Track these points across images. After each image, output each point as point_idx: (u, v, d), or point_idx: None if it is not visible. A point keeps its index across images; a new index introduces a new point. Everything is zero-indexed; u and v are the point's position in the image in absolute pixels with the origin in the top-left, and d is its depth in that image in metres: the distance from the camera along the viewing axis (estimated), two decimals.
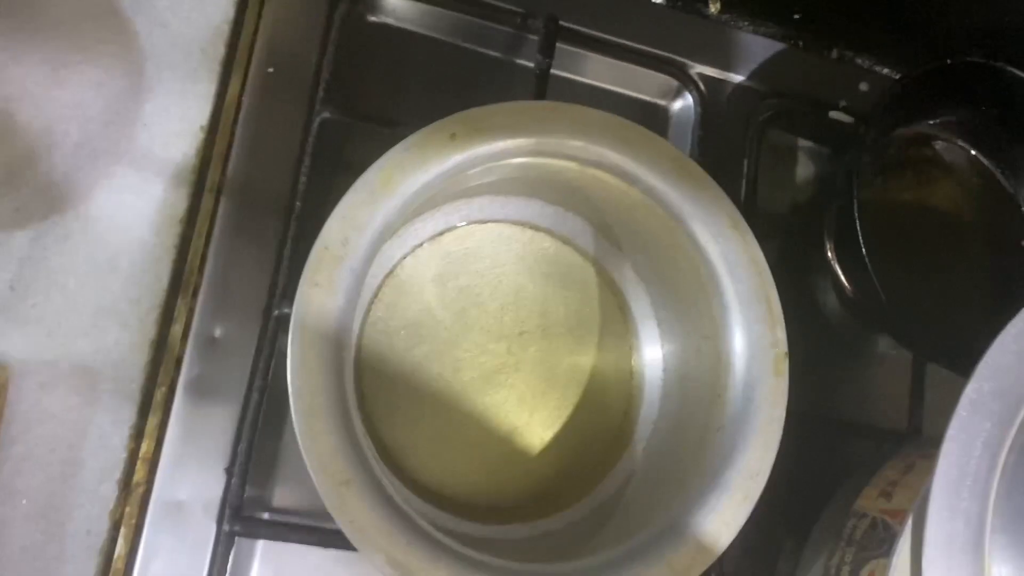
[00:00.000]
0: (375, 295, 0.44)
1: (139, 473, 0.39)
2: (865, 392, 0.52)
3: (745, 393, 0.40)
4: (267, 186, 0.43)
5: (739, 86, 0.53)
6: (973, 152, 0.54)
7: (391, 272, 0.44)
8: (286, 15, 0.45)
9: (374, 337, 0.43)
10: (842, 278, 0.48)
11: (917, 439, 0.49)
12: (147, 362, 0.40)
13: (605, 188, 0.42)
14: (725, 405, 0.40)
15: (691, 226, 0.41)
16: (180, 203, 0.42)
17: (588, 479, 0.45)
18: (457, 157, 0.37)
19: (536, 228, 0.47)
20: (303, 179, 0.42)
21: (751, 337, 0.40)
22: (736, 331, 0.40)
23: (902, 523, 0.38)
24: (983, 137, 0.53)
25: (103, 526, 0.39)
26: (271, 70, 0.44)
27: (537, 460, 0.45)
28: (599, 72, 0.51)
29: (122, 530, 0.39)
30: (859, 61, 0.57)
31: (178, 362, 0.41)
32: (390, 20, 0.48)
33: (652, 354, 0.47)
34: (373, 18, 0.48)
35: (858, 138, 0.47)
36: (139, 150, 0.42)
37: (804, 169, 0.54)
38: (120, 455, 0.39)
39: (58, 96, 0.41)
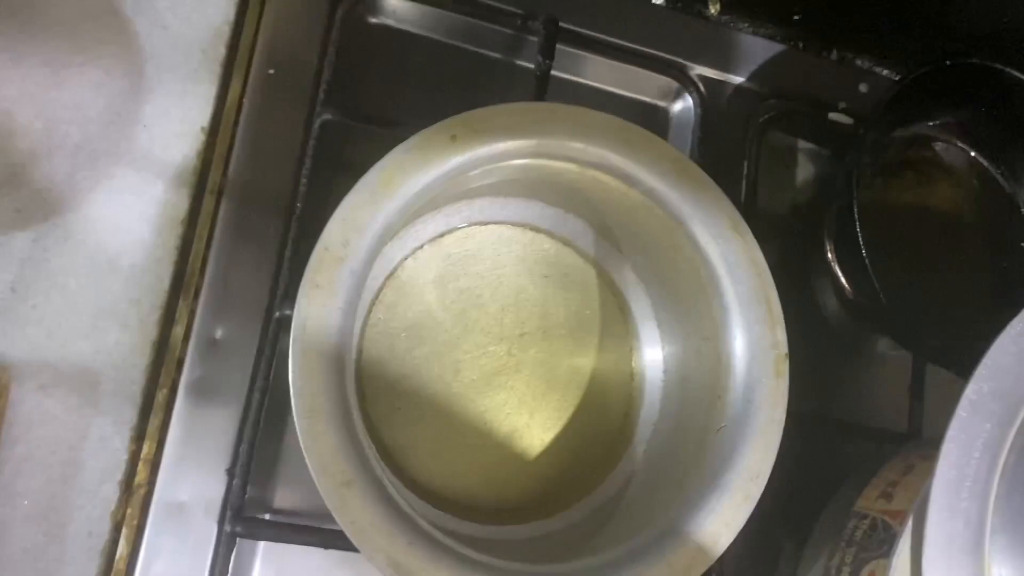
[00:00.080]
0: (376, 296, 0.44)
1: (140, 474, 0.39)
2: (865, 393, 0.52)
3: (745, 394, 0.40)
4: (268, 187, 0.43)
5: (739, 87, 0.53)
6: (972, 153, 0.54)
7: (392, 273, 0.44)
8: (287, 16, 0.45)
9: (375, 338, 0.43)
10: (842, 279, 0.48)
11: (917, 440, 0.50)
12: (148, 363, 0.40)
13: (605, 189, 0.42)
14: (725, 406, 0.40)
15: (691, 227, 0.41)
16: (181, 204, 0.42)
17: (588, 480, 0.45)
18: (458, 158, 0.37)
19: (537, 230, 0.47)
20: (304, 180, 0.42)
21: (751, 338, 0.40)
22: (736, 332, 0.40)
23: (902, 524, 0.38)
24: (982, 138, 0.53)
25: (104, 527, 0.39)
26: (272, 71, 0.44)
27: (537, 461, 0.45)
28: (599, 73, 0.51)
29: (123, 531, 0.39)
30: (859, 62, 0.57)
31: (179, 363, 0.41)
32: (391, 21, 0.48)
33: (652, 355, 0.47)
34: (374, 19, 0.48)
35: (858, 139, 0.47)
36: (140, 151, 0.42)
37: (804, 170, 0.54)
38: (121, 456, 0.39)
39: (58, 97, 0.41)
